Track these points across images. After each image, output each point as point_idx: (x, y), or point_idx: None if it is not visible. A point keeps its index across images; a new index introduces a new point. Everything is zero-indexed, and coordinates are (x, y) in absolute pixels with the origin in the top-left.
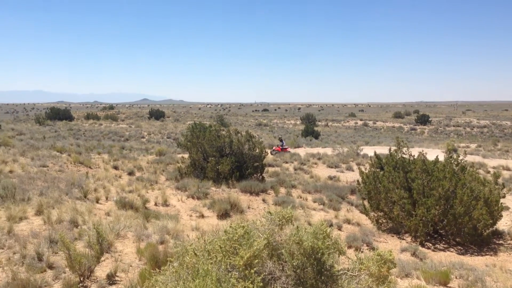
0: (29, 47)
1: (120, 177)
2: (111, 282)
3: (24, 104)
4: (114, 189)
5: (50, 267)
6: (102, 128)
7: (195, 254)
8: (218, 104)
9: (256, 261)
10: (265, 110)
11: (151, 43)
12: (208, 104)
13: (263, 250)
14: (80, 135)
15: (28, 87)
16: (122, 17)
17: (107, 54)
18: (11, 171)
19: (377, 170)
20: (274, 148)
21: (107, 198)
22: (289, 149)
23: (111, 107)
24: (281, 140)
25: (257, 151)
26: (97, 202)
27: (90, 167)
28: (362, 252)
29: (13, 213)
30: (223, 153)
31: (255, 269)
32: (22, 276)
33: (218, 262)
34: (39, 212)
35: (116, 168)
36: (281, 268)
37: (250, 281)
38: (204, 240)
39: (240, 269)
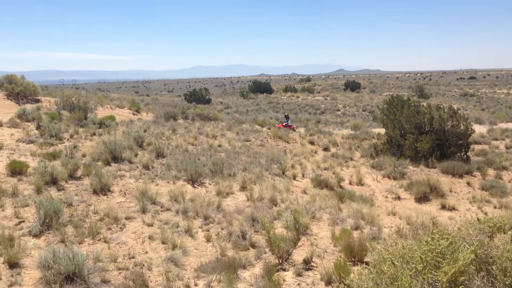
0: (234, 24)
1: (315, 152)
2: (307, 267)
3: (230, 77)
4: (310, 165)
5: (253, 246)
6: (299, 101)
7: (393, 263)
8: (418, 73)
9: (462, 278)
10: (471, 78)
11: (346, 12)
12: (406, 73)
13: (469, 265)
14: (279, 108)
15: (232, 61)
16: None
17: (303, 26)
18: (219, 145)
19: None
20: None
21: (303, 175)
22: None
23: (308, 79)
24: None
25: (461, 128)
26: (294, 178)
27: (287, 142)
28: None
29: (221, 188)
30: (422, 130)
31: (461, 287)
32: (229, 253)
33: (417, 273)
34: (242, 188)
35: (312, 143)
36: (490, 285)
37: None
38: (402, 246)
39: (444, 286)
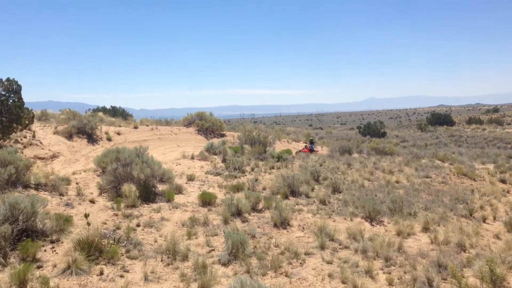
0: (410, 54)
1: (508, 192)
2: None
3: (406, 109)
4: (502, 207)
5: None
6: (485, 134)
7: None
8: None
9: None
10: None
11: None
12: None
13: None
14: (461, 142)
15: (408, 92)
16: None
17: (489, 52)
18: (397, 182)
19: None
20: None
21: (494, 218)
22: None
23: (495, 109)
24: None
25: None
26: (484, 221)
27: (474, 180)
28: None
29: (401, 228)
30: None
31: None
32: None
33: None
34: (425, 229)
35: (503, 181)
36: None
37: None
38: None
39: None
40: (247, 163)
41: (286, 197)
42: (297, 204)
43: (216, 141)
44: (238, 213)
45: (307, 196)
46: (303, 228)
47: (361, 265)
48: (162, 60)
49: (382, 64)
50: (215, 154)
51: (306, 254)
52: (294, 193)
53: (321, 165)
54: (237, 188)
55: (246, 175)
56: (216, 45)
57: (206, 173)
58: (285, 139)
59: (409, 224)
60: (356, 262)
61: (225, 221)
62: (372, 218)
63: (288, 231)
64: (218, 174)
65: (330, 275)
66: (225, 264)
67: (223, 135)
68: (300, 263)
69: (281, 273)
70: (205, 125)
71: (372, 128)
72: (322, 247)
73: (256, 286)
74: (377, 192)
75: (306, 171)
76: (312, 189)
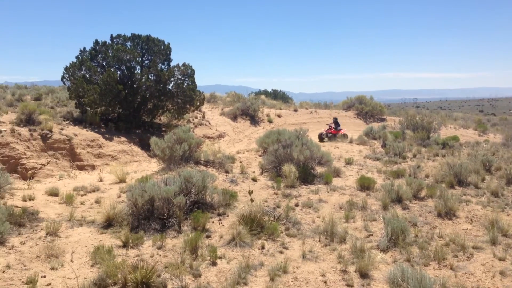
0: None
1: None
2: None
3: None
4: None
5: None
6: None
7: None
8: None
9: None
10: None
11: None
12: None
13: None
14: None
15: None
16: None
17: None
18: None
19: None
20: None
21: None
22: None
23: None
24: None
25: None
26: None
27: None
28: None
29: None
30: None
31: None
32: None
33: None
34: None
35: None
36: None
37: None
38: None
39: None
40: (409, 149)
41: (451, 186)
42: (464, 195)
43: (375, 125)
44: (398, 200)
45: (476, 187)
46: (471, 220)
47: None
48: (322, 45)
49: None
50: (374, 138)
51: (474, 248)
52: (461, 182)
53: (493, 154)
54: (397, 174)
55: (407, 161)
56: (374, 28)
57: (364, 157)
58: (452, 125)
59: None
60: None
61: (384, 207)
62: None
63: (453, 222)
64: (377, 159)
65: (502, 273)
66: (383, 250)
67: (383, 120)
68: (467, 257)
69: (445, 266)
70: (364, 109)
71: None
72: (494, 242)
73: (418, 275)
74: None
75: (476, 160)
76: (483, 180)
